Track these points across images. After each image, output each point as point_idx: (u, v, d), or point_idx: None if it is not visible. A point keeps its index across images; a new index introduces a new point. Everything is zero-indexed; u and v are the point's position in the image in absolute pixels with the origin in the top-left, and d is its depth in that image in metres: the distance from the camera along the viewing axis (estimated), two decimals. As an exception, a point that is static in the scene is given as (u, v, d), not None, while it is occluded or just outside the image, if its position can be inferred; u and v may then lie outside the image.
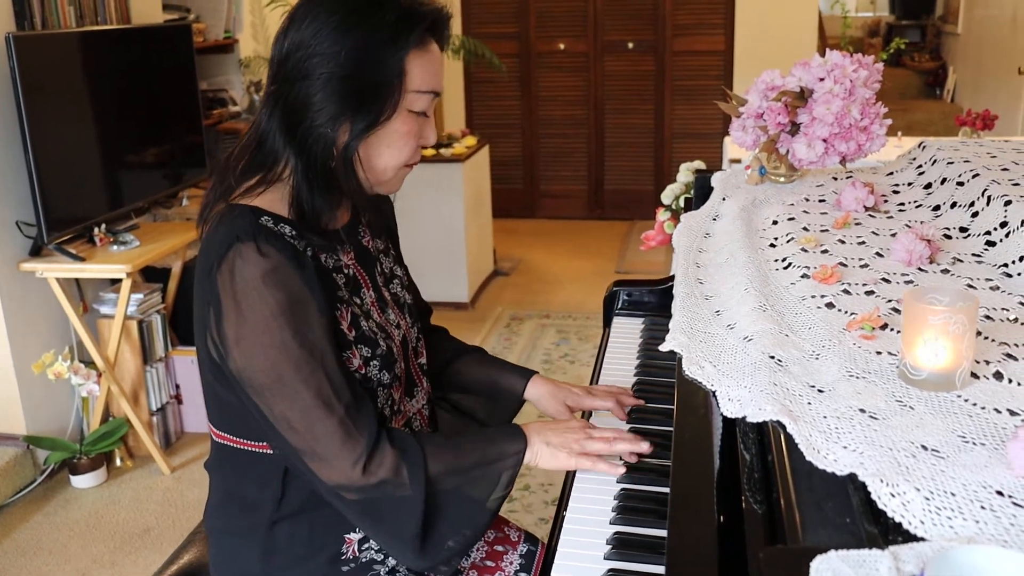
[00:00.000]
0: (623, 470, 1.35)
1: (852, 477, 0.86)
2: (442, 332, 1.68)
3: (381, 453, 1.23)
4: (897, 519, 0.78)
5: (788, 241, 1.55)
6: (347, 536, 1.35)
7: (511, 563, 1.46)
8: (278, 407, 1.21)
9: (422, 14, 1.27)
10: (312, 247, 1.27)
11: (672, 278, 1.88)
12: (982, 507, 0.77)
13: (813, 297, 1.30)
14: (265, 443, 1.30)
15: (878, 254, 1.46)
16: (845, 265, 1.41)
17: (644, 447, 1.36)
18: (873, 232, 1.57)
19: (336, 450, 1.21)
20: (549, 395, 1.57)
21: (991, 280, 1.32)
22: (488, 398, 1.63)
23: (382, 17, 1.24)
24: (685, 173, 2.59)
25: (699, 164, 2.49)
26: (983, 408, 0.95)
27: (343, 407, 1.22)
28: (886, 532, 0.79)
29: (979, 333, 1.12)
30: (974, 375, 1.02)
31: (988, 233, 1.44)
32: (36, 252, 2.99)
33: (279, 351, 1.19)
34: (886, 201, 1.74)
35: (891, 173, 1.92)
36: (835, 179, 1.91)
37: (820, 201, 1.77)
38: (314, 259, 1.27)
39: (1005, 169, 1.60)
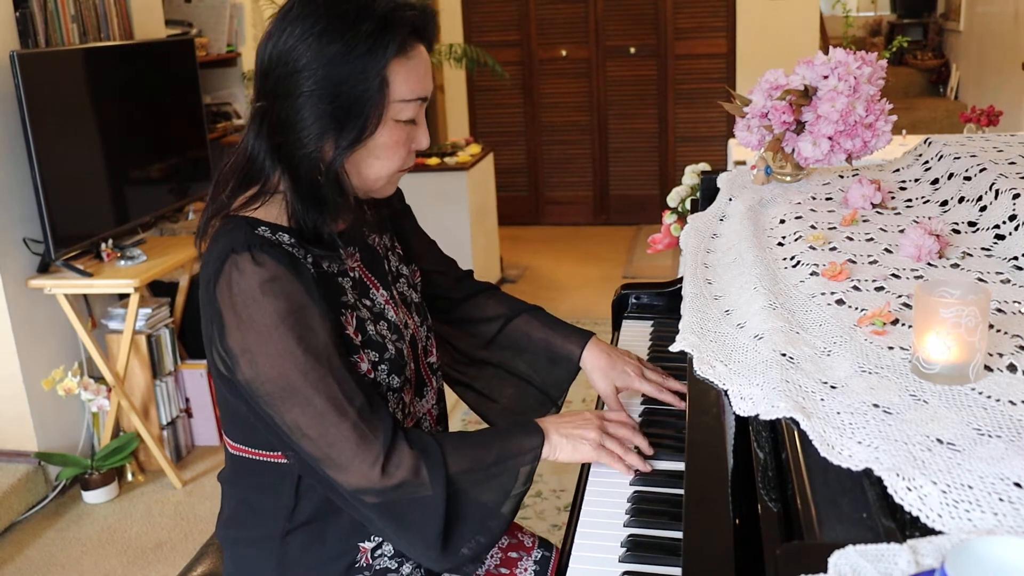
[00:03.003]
0: (640, 467, 1.35)
1: (868, 472, 0.85)
2: (495, 290, 1.65)
3: (399, 454, 1.22)
4: (914, 513, 0.77)
5: (796, 239, 1.55)
6: (361, 545, 1.35)
7: (526, 569, 1.46)
8: (289, 415, 1.20)
9: (400, 20, 1.23)
10: (312, 255, 1.27)
11: (680, 281, 1.88)
12: (1000, 499, 0.76)
13: (823, 294, 1.30)
14: (279, 453, 1.30)
15: (887, 250, 1.45)
16: (854, 262, 1.41)
17: (646, 466, 1.37)
18: (881, 228, 1.56)
19: (352, 454, 1.20)
20: (602, 371, 1.53)
21: (1001, 273, 1.31)
22: (545, 361, 1.59)
23: (359, 28, 1.20)
24: (691, 175, 2.58)
25: (704, 166, 2.49)
26: (998, 400, 0.94)
27: (355, 410, 1.21)
28: (903, 526, 0.78)
29: (991, 326, 1.11)
30: (987, 368, 1.01)
31: (997, 227, 1.43)
32: (44, 269, 3.00)
33: (285, 359, 1.18)
34: (893, 198, 1.74)
35: (897, 170, 1.92)
36: (841, 177, 1.90)
37: (827, 199, 1.77)
38: (315, 266, 1.26)
39: (1012, 163, 1.59)
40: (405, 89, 1.25)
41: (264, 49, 1.25)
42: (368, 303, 1.34)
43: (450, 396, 1.63)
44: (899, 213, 1.66)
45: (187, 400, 3.42)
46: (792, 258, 1.47)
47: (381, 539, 1.35)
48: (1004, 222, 1.42)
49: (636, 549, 1.20)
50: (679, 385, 1.54)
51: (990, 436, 0.87)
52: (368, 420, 1.22)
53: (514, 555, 1.48)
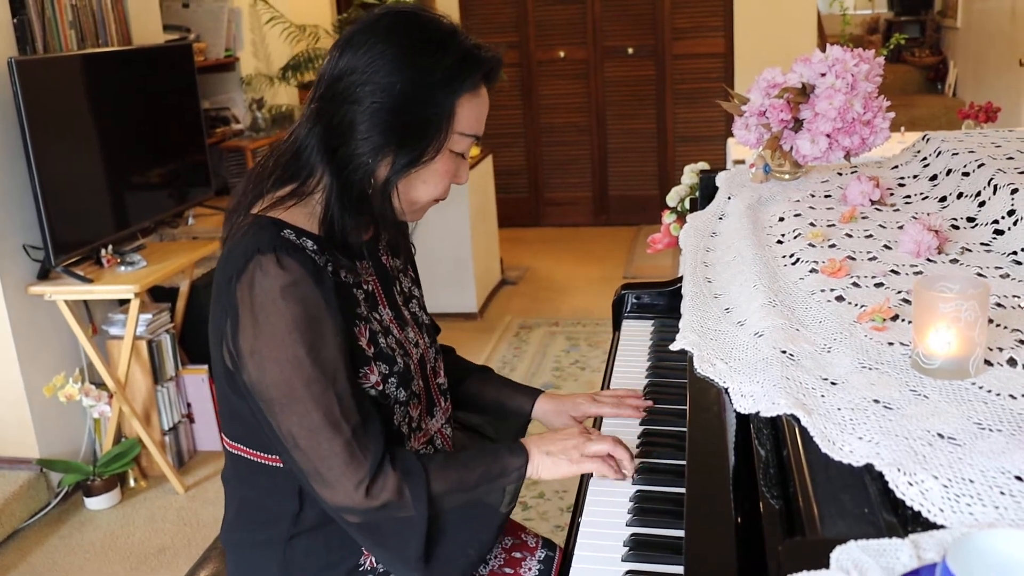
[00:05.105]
0: (626, 475, 1.34)
1: (869, 468, 0.85)
2: (450, 352, 1.67)
3: (384, 476, 1.23)
4: (916, 508, 0.77)
5: (795, 237, 1.55)
6: (364, 549, 1.35)
7: (529, 569, 1.46)
8: (286, 424, 1.21)
9: (480, 60, 1.28)
10: (332, 263, 1.27)
11: (680, 280, 1.88)
12: (1001, 493, 0.76)
13: (822, 291, 1.30)
14: (276, 456, 1.30)
15: (886, 246, 1.45)
16: (853, 258, 1.41)
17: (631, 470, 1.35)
18: (880, 225, 1.56)
19: (339, 472, 1.21)
20: (554, 411, 1.59)
21: (1000, 268, 1.31)
22: (496, 417, 1.63)
23: (441, 58, 1.25)
24: (690, 175, 2.58)
25: (703, 165, 2.49)
26: (998, 395, 0.94)
27: (350, 429, 1.21)
28: (905, 521, 0.78)
29: (991, 321, 1.11)
30: (987, 362, 1.01)
31: (996, 222, 1.44)
32: (44, 275, 3.00)
33: (292, 366, 1.19)
34: (892, 194, 1.74)
35: (896, 166, 1.92)
36: (840, 174, 1.91)
37: (826, 196, 1.77)
38: (334, 274, 1.27)
39: (1010, 158, 1.60)
40: (468, 124, 1.29)
41: (339, 56, 1.26)
42: (377, 317, 1.35)
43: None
44: (898, 210, 1.66)
45: (189, 405, 3.42)
46: (791, 255, 1.47)
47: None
48: (1003, 217, 1.42)
49: (639, 548, 1.20)
50: (637, 400, 1.59)
51: (991, 430, 0.87)
52: (360, 440, 1.22)
53: (518, 555, 1.48)
